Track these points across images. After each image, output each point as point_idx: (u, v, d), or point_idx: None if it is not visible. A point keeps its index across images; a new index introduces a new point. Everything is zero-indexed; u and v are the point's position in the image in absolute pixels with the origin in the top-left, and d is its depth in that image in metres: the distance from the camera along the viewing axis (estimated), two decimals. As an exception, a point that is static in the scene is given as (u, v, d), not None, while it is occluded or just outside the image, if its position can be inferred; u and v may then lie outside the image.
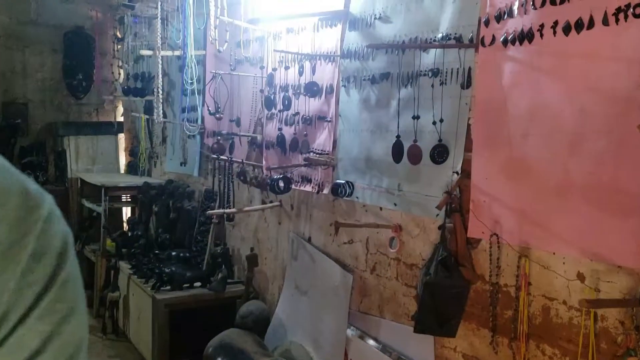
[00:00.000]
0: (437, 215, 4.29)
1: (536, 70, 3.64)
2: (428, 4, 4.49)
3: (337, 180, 4.90)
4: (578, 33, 3.40)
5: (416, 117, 3.97)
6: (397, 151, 3.95)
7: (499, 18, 3.90)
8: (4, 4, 10.60)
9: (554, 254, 3.54)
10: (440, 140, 3.95)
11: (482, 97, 4.01)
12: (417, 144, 3.94)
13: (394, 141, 4.18)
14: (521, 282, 3.57)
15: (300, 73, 5.36)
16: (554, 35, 3.53)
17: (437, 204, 3.89)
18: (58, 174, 10.79)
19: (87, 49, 10.87)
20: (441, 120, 3.95)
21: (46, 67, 10.86)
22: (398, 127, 4.03)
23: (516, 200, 3.77)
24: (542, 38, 3.61)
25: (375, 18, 4.96)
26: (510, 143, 3.79)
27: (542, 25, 3.60)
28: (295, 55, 5.65)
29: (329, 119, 5.48)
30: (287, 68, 5.19)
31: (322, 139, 5.60)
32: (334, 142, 5.42)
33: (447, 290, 3.68)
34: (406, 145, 4.00)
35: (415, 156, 3.89)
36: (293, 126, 5.84)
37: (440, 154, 3.92)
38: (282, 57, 6.03)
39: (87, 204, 10.01)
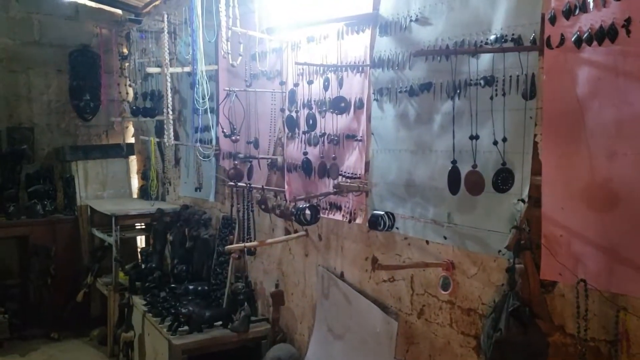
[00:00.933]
0: (500, 252, 3.64)
1: (622, 75, 2.98)
2: (476, 1, 3.84)
3: (375, 211, 4.26)
4: (681, 27, 2.73)
5: (475, 137, 3.31)
6: (453, 180, 3.31)
7: (568, 13, 3.25)
8: (5, 25, 10.21)
9: (657, 303, 2.85)
10: (503, 163, 3.29)
11: (551, 109, 3.36)
12: (477, 170, 3.29)
13: (449, 168, 3.53)
14: (620, 338, 2.89)
15: (326, 87, 4.75)
16: (647, 31, 2.86)
17: (507, 244, 3.25)
18: (67, 201, 10.30)
19: (93, 68, 10.21)
20: (504, 140, 3.29)
21: (51, 89, 10.19)
22: (454, 151, 3.37)
23: (604, 235, 3.10)
24: (629, 36, 2.95)
25: (411, 20, 4.35)
26: (593, 164, 3.13)
27: (628, 20, 2.95)
28: (319, 68, 5.04)
29: (359, 138, 4.86)
30: (310, 82, 4.60)
31: (352, 161, 4.97)
32: (367, 164, 4.80)
33: (522, 349, 3.02)
34: (463, 172, 3.34)
35: (475, 185, 3.25)
36: (318, 146, 5.22)
37: (504, 180, 3.28)
38: (303, 69, 5.42)
39: (97, 233, 9.50)
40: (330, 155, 4.72)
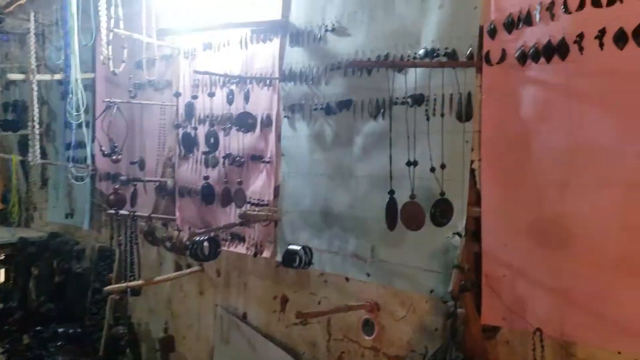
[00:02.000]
0: (432, 292, 3.22)
1: (576, 97, 2.69)
2: (402, 10, 3.45)
3: (290, 246, 3.70)
4: (639, 45, 2.48)
5: (412, 164, 2.87)
6: (392, 213, 2.83)
7: (510, 26, 2.94)
8: None
9: (619, 353, 2.55)
10: (442, 193, 2.88)
11: (491, 133, 3.02)
12: (415, 200, 2.84)
13: (376, 197, 3.06)
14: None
15: (230, 101, 4.15)
16: (601, 49, 2.61)
17: (450, 288, 2.82)
18: None
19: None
20: (443, 167, 2.88)
21: None
22: (391, 178, 2.89)
23: (553, 275, 2.79)
24: (581, 52, 2.67)
25: (326, 29, 3.88)
26: (541, 196, 2.82)
27: (580, 36, 2.66)
28: (221, 79, 4.41)
29: (267, 160, 4.30)
30: (211, 95, 3.96)
31: (259, 185, 4.39)
32: (276, 189, 4.23)
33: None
34: (399, 203, 2.88)
35: (413, 219, 2.80)
36: (218, 169, 4.57)
37: (443, 212, 2.85)
38: (201, 80, 4.76)
39: (-58, 268, 8.01)
40: (235, 179, 4.08)
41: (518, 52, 2.92)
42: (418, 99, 3.34)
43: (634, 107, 2.54)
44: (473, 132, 3.13)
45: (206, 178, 3.88)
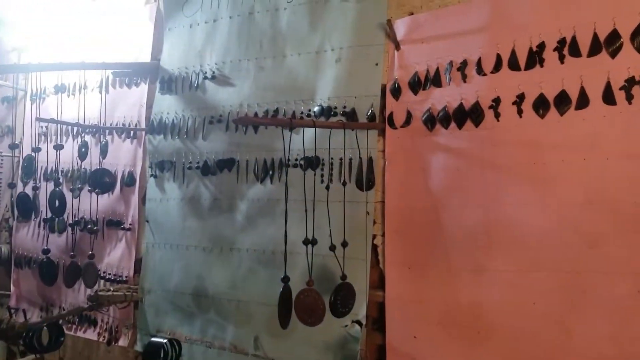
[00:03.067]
0: (329, 392, 2.72)
1: (490, 168, 2.42)
2: (294, 61, 3.06)
3: (154, 338, 3.02)
4: (562, 114, 2.26)
5: (311, 242, 2.39)
6: (287, 306, 2.28)
7: (416, 86, 2.65)
8: None
9: None
10: (344, 277, 2.42)
11: (396, 205, 2.67)
12: (312, 288, 2.34)
13: (276, 286, 2.52)
14: None
15: (82, 155, 3.43)
16: (520, 116, 2.35)
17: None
18: None
19: None
20: (344, 244, 2.44)
21: None
22: (285, 260, 2.37)
23: (472, 374, 2.39)
24: (497, 119, 2.42)
25: (205, 77, 3.38)
26: (455, 281, 2.47)
27: (496, 100, 2.40)
28: (72, 128, 3.70)
29: (128, 226, 3.61)
30: (58, 147, 3.22)
31: (116, 257, 3.67)
32: (137, 262, 3.54)
33: None
34: (294, 292, 2.36)
35: (311, 311, 2.30)
36: (66, 236, 3.78)
37: (345, 300, 2.40)
38: (46, 128, 4.00)
39: None
40: (87, 250, 3.33)
41: (425, 115, 2.62)
42: (313, 162, 2.90)
43: (558, 182, 2.28)
44: (375, 203, 2.74)
45: (46, 252, 3.09)
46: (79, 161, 3.39)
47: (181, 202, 3.41)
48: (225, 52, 3.37)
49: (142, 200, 3.62)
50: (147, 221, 3.56)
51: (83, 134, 3.71)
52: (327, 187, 2.51)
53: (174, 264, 3.40)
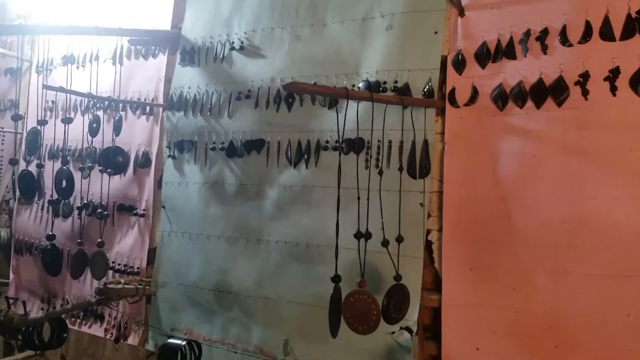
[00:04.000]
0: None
1: (575, 154, 2.07)
2: (336, 30, 2.71)
3: (171, 340, 2.71)
4: (670, 92, 1.91)
5: (364, 236, 2.04)
6: (337, 311, 1.94)
7: (484, 58, 2.30)
8: None
9: None
10: (398, 278, 2.08)
11: (456, 197, 2.33)
12: (365, 290, 2.00)
13: (314, 280, 2.23)
14: None
15: (93, 132, 3.09)
16: (613, 94, 2.00)
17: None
18: None
19: None
20: (399, 240, 2.10)
21: None
22: (336, 259, 2.03)
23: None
24: (586, 98, 2.07)
25: (232, 47, 3.04)
26: (528, 285, 2.11)
27: (584, 76, 2.05)
28: (83, 100, 3.38)
29: (141, 212, 3.29)
30: (67, 121, 2.86)
31: (128, 246, 3.35)
32: (151, 252, 3.21)
33: None
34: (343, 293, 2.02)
35: (363, 317, 1.96)
36: (72, 221, 3.46)
37: (399, 304, 2.06)
38: (53, 102, 3.67)
39: None
40: (95, 237, 3.00)
41: (495, 92, 2.27)
42: (356, 145, 2.56)
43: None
44: (430, 193, 2.40)
45: (51, 238, 2.75)
46: (89, 138, 3.03)
47: (203, 187, 3.08)
48: (255, 20, 3.02)
49: (158, 183, 3.30)
50: (163, 207, 3.23)
51: (94, 109, 3.36)
52: (380, 173, 2.16)
53: (193, 255, 3.07)
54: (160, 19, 3.43)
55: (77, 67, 3.82)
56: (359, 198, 2.05)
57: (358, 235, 2.01)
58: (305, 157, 2.76)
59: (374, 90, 2.57)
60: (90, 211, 3.38)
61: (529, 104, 2.20)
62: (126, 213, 3.37)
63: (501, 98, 2.26)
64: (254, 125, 2.94)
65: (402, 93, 2.50)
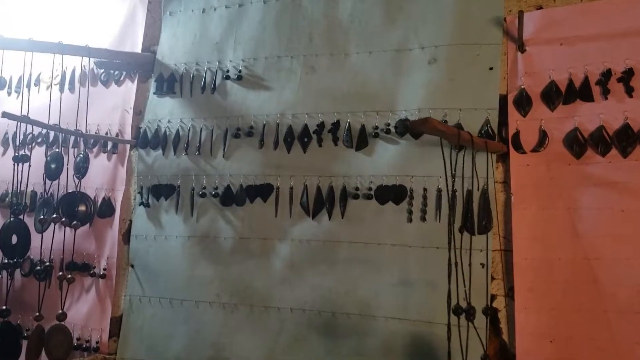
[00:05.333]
0: None
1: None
2: (363, 61, 2.37)
3: None
4: None
5: (465, 312, 1.65)
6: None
7: (552, 99, 2.03)
8: None
9: None
10: (485, 357, 1.71)
11: (528, 257, 2.00)
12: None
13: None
14: None
15: (52, 173, 2.43)
16: None
17: None
18: None
19: None
20: (458, 311, 1.74)
21: None
22: (449, 340, 1.61)
23: None
24: (685, 145, 1.84)
25: (226, 76, 2.58)
26: (636, 358, 1.82)
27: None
28: (37, 131, 2.73)
29: (100, 272, 2.67)
30: (21, 160, 2.18)
31: (80, 315, 2.70)
32: (114, 321, 2.60)
33: None
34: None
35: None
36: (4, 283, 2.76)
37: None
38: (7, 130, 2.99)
39: None
40: (31, 303, 2.31)
41: (569, 137, 2.01)
42: (394, 193, 2.20)
43: None
44: (494, 251, 2.07)
45: (5, 314, 2.05)
46: (44, 180, 2.39)
47: (188, 242, 2.55)
48: (257, 46, 2.61)
49: (124, 237, 2.70)
50: (132, 266, 2.65)
51: (33, 143, 2.72)
52: (461, 230, 1.80)
53: (175, 326, 2.50)
54: (124, 39, 2.90)
55: (9, 93, 3.15)
56: (449, 261, 1.64)
57: (457, 311, 1.60)
58: (328, 206, 2.33)
59: (417, 131, 2.23)
60: (26, 271, 2.69)
61: (613, 151, 1.96)
62: (79, 273, 2.72)
63: (577, 144, 2.01)
64: (258, 167, 2.48)
65: (454, 135, 2.18)
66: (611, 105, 1.99)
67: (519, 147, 2.10)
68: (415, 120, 1.66)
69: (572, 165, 2.02)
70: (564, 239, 1.98)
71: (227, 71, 2.64)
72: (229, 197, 2.50)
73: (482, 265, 2.06)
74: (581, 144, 2.01)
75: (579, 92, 2.04)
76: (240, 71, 2.61)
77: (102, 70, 2.93)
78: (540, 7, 2.19)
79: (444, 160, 1.72)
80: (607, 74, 2.00)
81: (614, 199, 1.94)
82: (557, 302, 1.97)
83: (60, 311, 2.26)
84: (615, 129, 1.97)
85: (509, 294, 2.05)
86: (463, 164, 1.84)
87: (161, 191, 2.64)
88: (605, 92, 2.00)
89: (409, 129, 1.64)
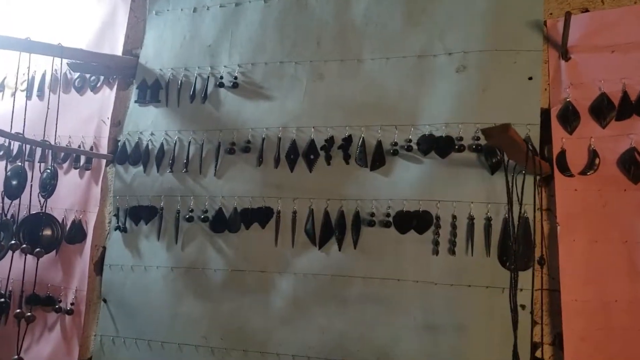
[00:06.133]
0: None
1: None
2: (379, 68, 2.08)
3: None
4: None
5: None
6: None
7: (603, 114, 1.77)
8: None
9: None
10: None
11: (579, 297, 1.71)
12: None
13: None
14: None
15: (12, 191, 2.08)
16: None
17: None
18: None
19: None
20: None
21: None
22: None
23: None
24: None
25: (220, 84, 2.26)
26: None
27: None
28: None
29: (67, 308, 2.32)
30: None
31: (41, 357, 2.30)
32: (80, 367, 2.24)
33: None
34: None
35: None
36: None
37: None
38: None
39: None
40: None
41: (624, 159, 1.73)
42: (416, 220, 1.89)
43: None
44: (534, 291, 1.76)
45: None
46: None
47: (171, 273, 2.20)
48: (255, 50, 2.31)
49: (96, 266, 2.34)
50: (105, 300, 2.29)
51: (11, 158, 2.36)
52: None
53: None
54: (101, 41, 2.58)
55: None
56: (512, 309, 1.33)
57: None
58: (338, 234, 2.01)
59: (444, 148, 1.94)
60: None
61: (678, 175, 1.67)
62: (42, 308, 2.35)
63: (635, 166, 1.72)
64: (256, 188, 2.16)
65: (490, 153, 1.89)
66: (675, 121, 1.71)
67: (565, 169, 1.82)
68: (492, 127, 1.38)
69: (628, 191, 1.73)
70: (622, 278, 1.70)
71: (221, 78, 2.32)
72: (221, 222, 2.17)
73: (522, 306, 1.75)
74: (636, 166, 1.73)
75: (636, 107, 1.77)
76: (235, 78, 2.30)
77: (77, 75, 2.60)
78: (586, 10, 1.92)
79: (507, 182, 1.41)
80: (670, 85, 1.73)
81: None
82: (615, 352, 1.66)
83: (17, 356, 1.88)
84: (683, 149, 1.69)
85: (555, 342, 1.74)
86: (514, 188, 1.54)
87: (141, 214, 2.30)
88: (650, 104, 1.73)
89: (485, 135, 1.36)
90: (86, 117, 2.53)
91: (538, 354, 1.77)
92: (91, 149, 2.47)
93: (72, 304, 2.34)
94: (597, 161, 1.79)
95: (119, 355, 2.23)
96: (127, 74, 2.51)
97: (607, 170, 1.78)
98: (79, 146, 2.48)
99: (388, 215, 1.97)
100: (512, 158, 1.58)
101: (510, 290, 1.49)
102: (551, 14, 1.97)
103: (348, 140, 2.08)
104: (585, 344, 1.70)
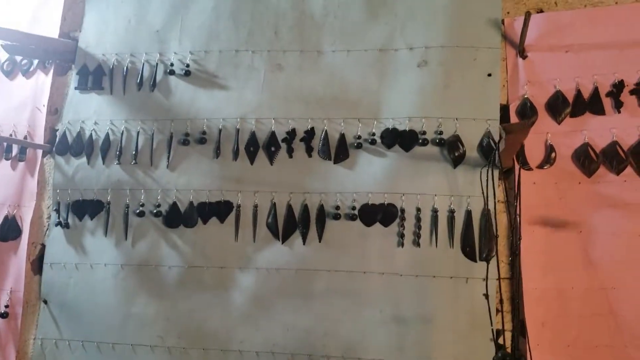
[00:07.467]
0: None
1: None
2: (338, 61, 2.08)
3: None
4: None
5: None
6: None
7: (558, 111, 1.88)
8: None
9: None
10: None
11: (539, 285, 1.83)
12: None
13: None
14: None
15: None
16: None
17: None
18: None
19: None
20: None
21: None
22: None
23: None
24: None
25: (170, 71, 2.17)
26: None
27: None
28: None
29: (1, 311, 2.14)
30: None
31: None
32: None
33: None
34: None
35: None
36: None
37: None
38: None
39: None
40: None
41: (578, 153, 1.84)
42: (382, 213, 1.92)
43: None
44: (498, 280, 1.84)
45: None
46: None
47: (121, 271, 2.09)
48: (209, 37, 2.23)
49: (34, 265, 2.18)
50: (45, 302, 2.13)
51: None
52: (488, 259, 1.55)
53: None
54: (35, 22, 2.40)
55: None
56: (486, 295, 1.38)
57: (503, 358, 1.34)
58: (301, 228, 1.99)
59: (408, 142, 1.97)
60: None
61: (629, 170, 1.80)
62: (-31, 315, 2.16)
63: (587, 161, 1.84)
64: (214, 181, 2.09)
65: (451, 147, 1.94)
66: (624, 119, 1.85)
67: (524, 163, 1.90)
68: (513, 124, 1.42)
69: (582, 184, 1.84)
70: (577, 267, 1.80)
71: (171, 65, 2.22)
72: (176, 217, 2.09)
73: (485, 295, 1.81)
74: (592, 161, 1.84)
75: (589, 104, 1.88)
76: (187, 65, 2.21)
77: (6, 59, 2.39)
78: (541, 11, 2.02)
79: (488, 178, 1.45)
80: (619, 86, 1.86)
81: (630, 222, 1.79)
82: (572, 338, 1.77)
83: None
84: (631, 145, 1.82)
85: (517, 329, 1.83)
86: (491, 180, 1.59)
87: (85, 208, 2.16)
88: (618, 105, 1.85)
89: (506, 130, 1.40)
90: (17, 104, 2.35)
91: (502, 339, 1.84)
92: (25, 138, 2.29)
93: (6, 306, 2.17)
94: (553, 155, 1.89)
95: (63, 358, 2.09)
96: (65, 59, 2.34)
97: (563, 164, 1.88)
98: (11, 135, 2.30)
99: (354, 208, 1.98)
100: (504, 154, 1.64)
101: (486, 280, 1.54)
102: (508, 12, 2.04)
103: (310, 132, 2.06)
104: (545, 329, 1.79)
